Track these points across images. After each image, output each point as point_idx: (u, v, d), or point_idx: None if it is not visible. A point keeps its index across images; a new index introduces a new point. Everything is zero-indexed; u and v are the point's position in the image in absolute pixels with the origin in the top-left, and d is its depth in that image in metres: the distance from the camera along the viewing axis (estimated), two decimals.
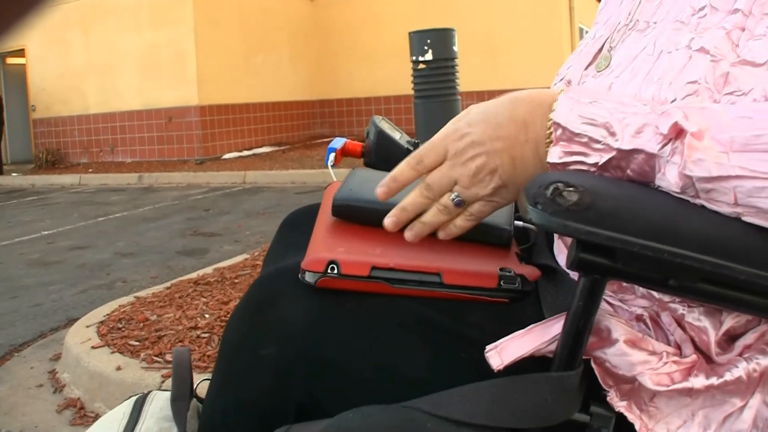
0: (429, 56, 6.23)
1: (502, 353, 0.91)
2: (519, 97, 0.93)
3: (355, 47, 19.62)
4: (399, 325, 1.02)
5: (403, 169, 1.00)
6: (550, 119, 0.88)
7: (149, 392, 1.41)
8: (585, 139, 0.85)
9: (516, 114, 0.92)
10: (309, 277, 1.03)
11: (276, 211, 9.31)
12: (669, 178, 0.81)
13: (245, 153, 16.95)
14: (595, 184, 0.79)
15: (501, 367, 0.90)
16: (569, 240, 0.84)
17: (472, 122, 0.95)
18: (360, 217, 1.17)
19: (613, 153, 0.84)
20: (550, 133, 0.89)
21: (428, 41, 6.23)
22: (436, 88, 6.36)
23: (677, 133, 0.79)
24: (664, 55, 0.97)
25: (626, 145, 0.83)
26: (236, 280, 4.77)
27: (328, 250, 1.06)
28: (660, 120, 0.81)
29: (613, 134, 0.84)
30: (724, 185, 0.77)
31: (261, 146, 17.82)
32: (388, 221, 1.03)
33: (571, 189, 0.77)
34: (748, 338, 0.90)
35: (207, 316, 4.01)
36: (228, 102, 16.92)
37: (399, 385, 0.98)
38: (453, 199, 0.98)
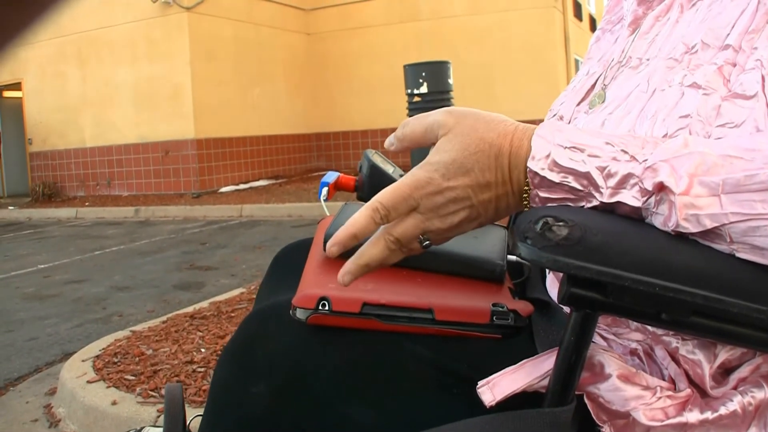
0: (424, 89, 6.24)
1: (494, 389, 0.90)
2: (501, 150, 0.87)
3: (351, 80, 19.71)
4: (390, 361, 1.01)
5: (365, 224, 0.90)
6: (527, 168, 0.85)
7: (142, 428, 1.40)
8: (567, 188, 0.84)
9: (501, 168, 0.87)
10: (300, 314, 1.02)
11: (272, 244, 9.30)
12: (657, 225, 0.81)
13: (242, 186, 16.96)
14: (585, 219, 0.79)
15: (493, 402, 0.89)
16: (561, 274, 0.83)
17: (450, 175, 0.87)
18: (352, 252, 1.17)
19: (597, 203, 0.83)
20: (528, 181, 0.87)
21: (423, 74, 6.24)
22: None
23: (663, 187, 0.79)
24: (657, 93, 0.97)
25: (608, 199, 0.82)
26: (232, 314, 4.76)
27: (319, 286, 1.06)
28: (645, 175, 0.80)
29: (595, 185, 0.83)
30: (718, 230, 0.76)
31: (258, 179, 17.84)
32: (346, 278, 0.93)
33: (560, 223, 0.77)
34: (743, 371, 0.89)
35: (203, 350, 4.00)
36: (224, 135, 16.95)
37: (390, 422, 0.98)
38: (423, 244, 0.91)
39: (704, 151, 0.79)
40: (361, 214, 0.89)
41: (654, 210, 0.80)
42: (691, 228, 0.77)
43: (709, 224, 0.76)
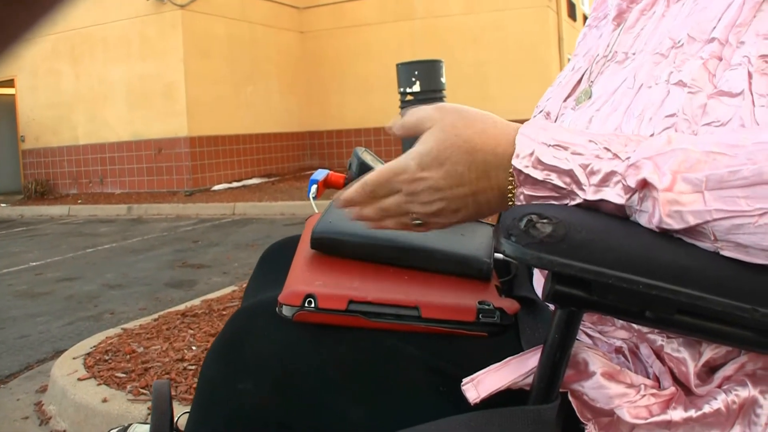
0: (417, 88, 6.24)
1: (478, 386, 0.90)
2: (475, 145, 0.90)
3: (344, 79, 19.68)
4: (376, 359, 1.01)
5: (357, 194, 0.98)
6: (512, 166, 0.88)
7: (129, 425, 1.40)
8: (550, 185, 0.85)
9: (475, 163, 0.90)
10: (286, 311, 1.02)
11: (265, 242, 9.28)
12: (642, 222, 0.81)
13: (235, 184, 16.92)
14: (570, 216, 0.79)
15: (478, 400, 0.89)
16: (547, 272, 0.83)
17: (425, 165, 0.92)
18: (338, 249, 1.17)
19: (581, 201, 0.84)
20: (513, 177, 0.88)
21: (416, 73, 6.24)
22: None
23: (646, 184, 0.79)
24: (644, 89, 0.98)
25: (592, 196, 0.83)
26: (224, 312, 4.75)
27: (305, 283, 1.06)
28: (628, 173, 0.81)
29: (578, 183, 0.84)
30: (702, 228, 0.77)
31: (250, 178, 17.80)
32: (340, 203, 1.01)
33: (545, 221, 0.77)
34: (728, 369, 0.90)
35: (194, 348, 3.99)
36: (217, 133, 16.91)
37: (376, 419, 0.98)
38: (413, 222, 0.97)
39: (687, 147, 0.79)
40: (353, 186, 0.98)
41: (638, 207, 0.80)
42: (674, 224, 0.77)
43: (692, 221, 0.76)
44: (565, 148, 0.85)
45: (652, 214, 0.79)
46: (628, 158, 0.81)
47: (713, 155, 0.77)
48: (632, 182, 0.80)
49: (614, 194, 0.81)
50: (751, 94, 0.87)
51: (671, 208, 0.77)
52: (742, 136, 0.79)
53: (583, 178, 0.83)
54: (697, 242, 0.79)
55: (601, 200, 0.82)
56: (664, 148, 0.80)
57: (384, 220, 0.99)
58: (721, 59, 0.91)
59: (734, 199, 0.74)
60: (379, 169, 0.96)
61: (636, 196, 0.80)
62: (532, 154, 0.86)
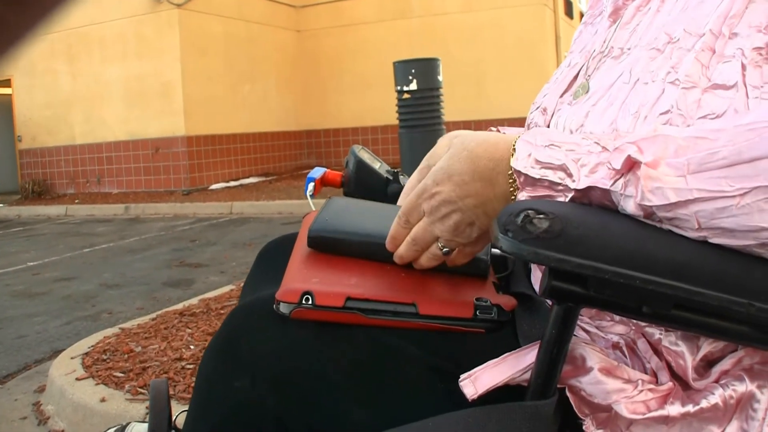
0: (413, 86, 6.25)
1: (476, 382, 0.90)
2: (477, 154, 0.94)
3: (342, 77, 19.67)
4: (374, 356, 1.01)
5: (396, 229, 1.05)
6: (511, 168, 0.90)
7: (127, 424, 1.40)
8: (546, 183, 0.86)
9: (478, 171, 0.94)
10: (283, 308, 1.02)
11: (262, 241, 9.23)
12: (628, 210, 0.81)
13: (232, 183, 16.91)
14: (566, 211, 0.79)
15: (475, 396, 0.89)
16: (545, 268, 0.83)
17: (438, 180, 0.97)
18: (335, 247, 1.16)
19: (573, 193, 0.84)
20: (514, 181, 0.90)
21: (413, 71, 6.25)
22: (421, 118, 6.38)
23: (630, 167, 0.80)
24: (639, 85, 0.98)
25: (581, 185, 0.83)
26: (222, 311, 4.75)
27: (302, 280, 1.05)
28: (612, 157, 0.82)
29: (570, 175, 0.85)
30: (684, 212, 0.77)
31: (248, 177, 17.79)
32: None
33: (541, 216, 0.77)
34: (725, 364, 0.90)
35: (192, 347, 3.99)
36: (215, 132, 16.89)
37: (373, 417, 0.98)
38: (441, 249, 1.02)
39: (670, 134, 0.80)
40: (394, 222, 1.06)
41: (622, 192, 0.80)
42: (655, 201, 0.77)
43: (673, 198, 0.76)
44: (559, 147, 0.87)
45: (636, 196, 0.79)
46: (616, 148, 0.82)
47: (695, 140, 0.78)
48: (617, 164, 0.81)
49: (600, 179, 0.82)
50: (745, 87, 0.87)
51: (653, 184, 0.77)
52: (726, 122, 0.80)
53: (574, 171, 0.84)
54: (683, 231, 0.79)
55: (589, 188, 0.83)
56: (648, 135, 0.81)
57: (418, 256, 1.06)
58: (714, 51, 0.91)
59: (716, 180, 0.75)
60: (407, 197, 1.03)
61: (621, 181, 0.80)
62: (530, 155, 0.88)
